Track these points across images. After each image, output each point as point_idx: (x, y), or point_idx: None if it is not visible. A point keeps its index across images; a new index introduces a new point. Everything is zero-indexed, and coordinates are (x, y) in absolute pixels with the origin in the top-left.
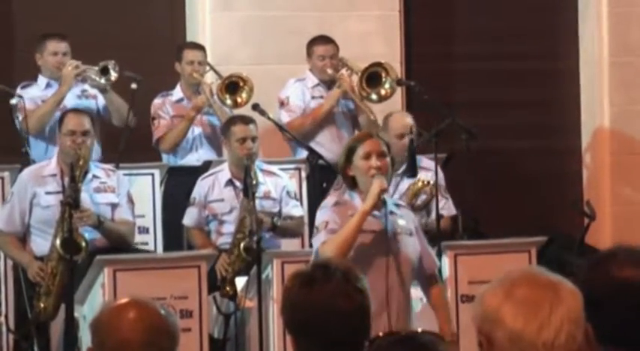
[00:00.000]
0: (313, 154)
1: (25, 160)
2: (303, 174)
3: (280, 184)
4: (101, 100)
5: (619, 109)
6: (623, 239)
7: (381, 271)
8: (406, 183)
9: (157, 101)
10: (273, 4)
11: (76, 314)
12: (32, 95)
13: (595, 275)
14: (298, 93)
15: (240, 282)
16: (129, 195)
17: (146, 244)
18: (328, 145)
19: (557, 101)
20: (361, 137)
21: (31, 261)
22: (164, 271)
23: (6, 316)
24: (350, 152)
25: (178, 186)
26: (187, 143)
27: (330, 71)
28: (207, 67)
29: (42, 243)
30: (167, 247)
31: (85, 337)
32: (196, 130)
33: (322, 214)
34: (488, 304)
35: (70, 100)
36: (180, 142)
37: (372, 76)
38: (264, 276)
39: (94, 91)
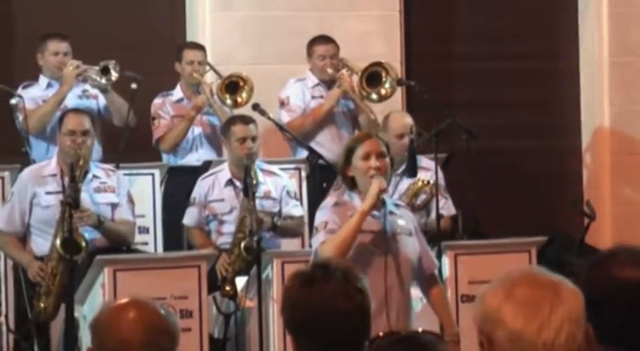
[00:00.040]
0: (313, 154)
1: (25, 160)
2: (303, 174)
3: (280, 184)
4: (102, 100)
5: (619, 109)
6: (623, 239)
7: (380, 271)
8: (406, 183)
9: (157, 101)
10: (273, 4)
11: (76, 314)
12: (33, 95)
13: (596, 275)
14: (298, 93)
15: (241, 282)
16: (129, 195)
17: (146, 244)
18: (328, 145)
19: (557, 101)
20: (360, 138)
21: (31, 261)
22: (164, 271)
23: (6, 316)
24: (349, 153)
25: (178, 186)
26: (187, 143)
27: (330, 71)
28: (207, 67)
29: (42, 243)
30: (167, 247)
31: (85, 337)
32: (196, 130)
33: (321, 215)
34: (489, 304)
35: (71, 100)
36: (181, 142)
37: (372, 76)
38: (264, 276)
39: (94, 91)
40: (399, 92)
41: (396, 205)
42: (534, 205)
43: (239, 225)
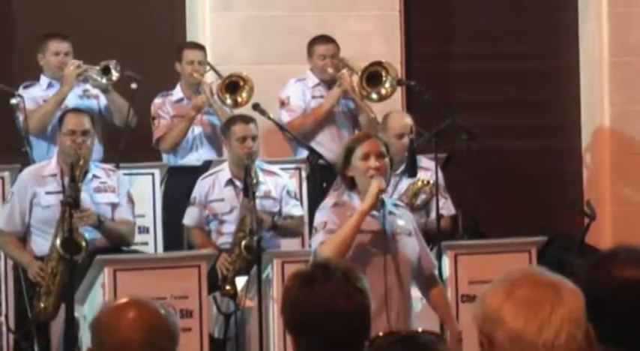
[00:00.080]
0: (313, 154)
1: (25, 160)
2: (304, 174)
3: (280, 184)
4: (103, 100)
5: (619, 109)
6: (623, 239)
7: (380, 271)
8: (405, 183)
9: (157, 101)
10: (273, 4)
11: (76, 314)
12: (34, 95)
13: (596, 275)
14: (299, 93)
15: (241, 282)
16: (129, 195)
17: (146, 244)
18: (328, 144)
19: (557, 101)
20: (360, 138)
21: (32, 261)
22: (164, 271)
23: (6, 316)
24: (348, 153)
25: (178, 186)
26: (187, 143)
27: (330, 70)
28: (208, 67)
29: (42, 243)
30: (167, 247)
31: (85, 337)
32: (196, 130)
33: (321, 215)
34: (489, 304)
35: (72, 100)
36: (181, 141)
37: (373, 76)
38: (264, 276)
39: (95, 91)
40: (399, 92)
41: (396, 205)
42: (534, 205)
43: (239, 224)
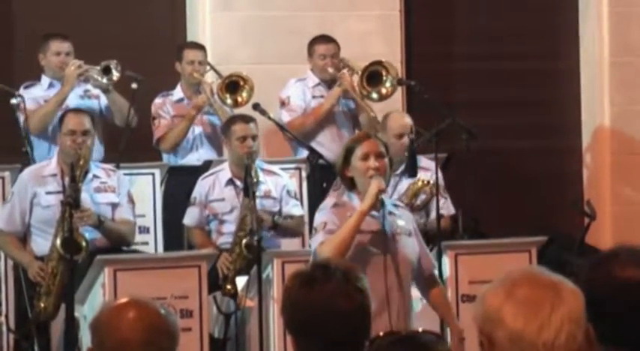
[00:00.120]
0: (314, 154)
1: (25, 160)
2: (304, 174)
3: (280, 184)
4: (104, 100)
5: (619, 109)
6: (624, 239)
7: (380, 272)
8: (405, 183)
9: (157, 101)
10: (273, 4)
11: (76, 314)
12: (35, 95)
13: (597, 275)
14: (299, 92)
15: (241, 281)
16: (129, 195)
17: (146, 244)
18: (329, 144)
19: (557, 101)
20: (359, 138)
21: (32, 261)
22: (164, 271)
23: (6, 316)
24: (348, 153)
25: (179, 186)
26: (188, 143)
27: (331, 70)
28: (208, 67)
29: (42, 243)
30: (167, 247)
31: (85, 337)
32: (197, 130)
33: (321, 216)
34: (490, 304)
35: (73, 100)
36: (181, 141)
37: (373, 75)
38: (264, 276)
39: (96, 91)
40: (399, 92)
41: (395, 206)
42: (534, 205)
43: (240, 224)
